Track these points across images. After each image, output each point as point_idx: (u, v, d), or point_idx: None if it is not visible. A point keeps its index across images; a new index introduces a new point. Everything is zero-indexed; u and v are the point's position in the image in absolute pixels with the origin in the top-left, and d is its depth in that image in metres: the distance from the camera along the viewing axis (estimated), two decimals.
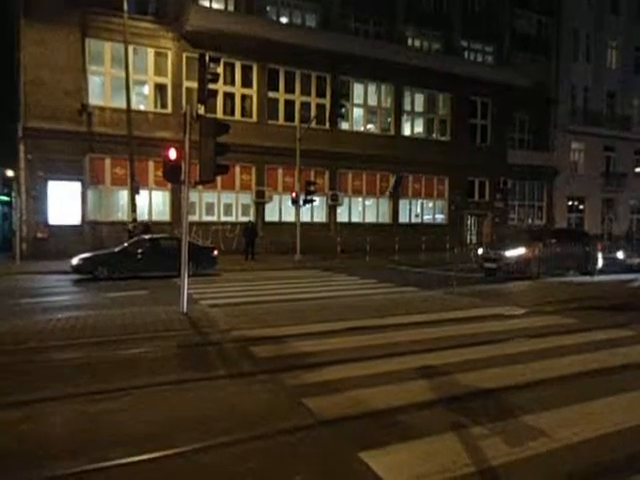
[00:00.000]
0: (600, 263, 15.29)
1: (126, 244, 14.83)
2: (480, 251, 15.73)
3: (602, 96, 32.35)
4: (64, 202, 19.06)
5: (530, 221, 30.14)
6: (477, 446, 3.59)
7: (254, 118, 22.39)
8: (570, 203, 31.56)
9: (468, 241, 27.33)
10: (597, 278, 14.36)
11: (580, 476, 3.24)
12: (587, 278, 14.38)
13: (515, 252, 14.48)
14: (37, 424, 4.01)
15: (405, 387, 4.85)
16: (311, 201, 20.46)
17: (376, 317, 8.32)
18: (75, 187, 19.22)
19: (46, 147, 18.42)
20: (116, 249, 14.63)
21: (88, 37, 19.32)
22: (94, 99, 19.63)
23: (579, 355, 6.09)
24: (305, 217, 22.23)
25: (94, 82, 19.89)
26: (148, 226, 18.45)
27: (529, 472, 3.27)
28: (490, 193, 28.44)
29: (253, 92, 22.40)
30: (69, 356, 5.93)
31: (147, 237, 15.44)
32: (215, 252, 15.69)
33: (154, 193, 20.71)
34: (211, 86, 10.55)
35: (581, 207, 32.05)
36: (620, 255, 16.94)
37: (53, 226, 18.79)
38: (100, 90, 20.00)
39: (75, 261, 13.99)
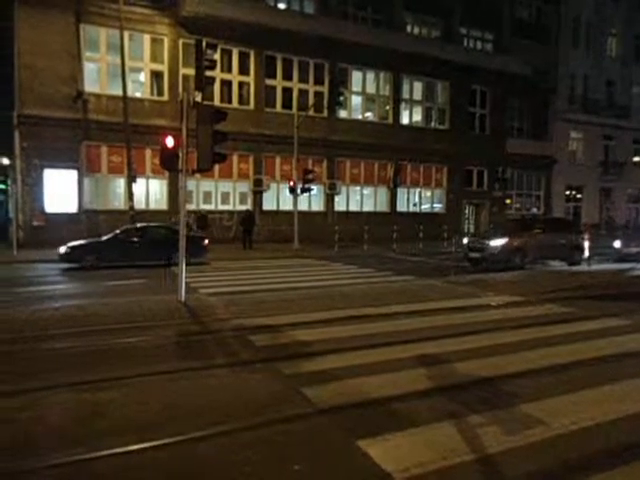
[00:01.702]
0: (587, 253, 15.25)
1: (116, 232, 14.53)
2: (465, 240, 15.60)
3: (601, 84, 32.18)
4: (60, 190, 18.92)
5: (528, 210, 30.14)
6: (475, 434, 3.62)
7: (251, 106, 22.20)
8: (568, 192, 31.56)
9: (466, 230, 27.34)
10: (593, 267, 14.40)
11: (577, 464, 3.27)
12: (583, 267, 14.41)
13: (499, 242, 14.34)
14: (35, 413, 4.01)
15: (404, 376, 4.87)
16: (309, 190, 20.39)
17: (375, 306, 8.34)
18: (71, 175, 19.08)
19: (41, 135, 18.25)
20: (105, 237, 14.37)
21: (83, 23, 19.04)
22: (90, 86, 19.41)
23: (576, 344, 6.12)
24: (303, 206, 22.16)
25: (89, 69, 19.64)
26: (204, 217, 18.61)
27: (526, 460, 3.29)
28: (488, 182, 28.40)
29: (250, 79, 22.19)
30: (67, 345, 5.92)
31: (137, 225, 15.17)
32: (206, 241, 15.44)
33: (151, 181, 20.58)
34: (208, 73, 10.46)
35: (579, 196, 32.06)
36: (617, 244, 16.98)
37: (50, 214, 18.69)
38: (96, 77, 19.77)
39: (63, 249, 13.70)
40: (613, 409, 4.09)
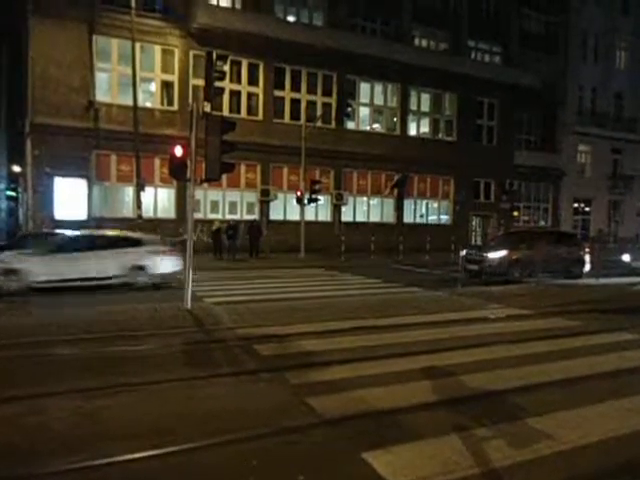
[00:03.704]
0: (587, 266, 14.99)
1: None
2: (463, 252, 15.42)
3: (610, 97, 32.11)
4: (70, 198, 19.10)
5: (536, 223, 29.98)
6: (481, 448, 3.58)
7: (260, 116, 22.39)
8: (576, 205, 31.38)
9: (473, 242, 27.21)
10: (601, 281, 14.25)
11: (585, 479, 3.22)
12: (590, 281, 14.24)
13: (498, 254, 14.05)
14: (38, 419, 4.02)
15: (409, 388, 4.84)
16: (316, 200, 20.45)
17: (381, 317, 8.31)
18: (81, 183, 19.26)
19: (53, 143, 18.46)
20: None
21: (96, 34, 19.33)
22: (101, 96, 19.66)
23: (585, 358, 6.06)
24: (310, 216, 22.19)
25: (101, 79, 19.91)
26: (236, 226, 18.92)
27: (533, 474, 3.26)
28: (496, 194, 28.33)
29: (259, 90, 22.39)
30: (72, 351, 5.95)
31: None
32: None
33: (159, 190, 20.72)
34: (217, 84, 10.55)
35: (587, 209, 31.87)
36: (626, 258, 16.82)
37: (59, 222, 18.81)
38: (107, 87, 20.04)
39: None
40: (622, 424, 4.04)
